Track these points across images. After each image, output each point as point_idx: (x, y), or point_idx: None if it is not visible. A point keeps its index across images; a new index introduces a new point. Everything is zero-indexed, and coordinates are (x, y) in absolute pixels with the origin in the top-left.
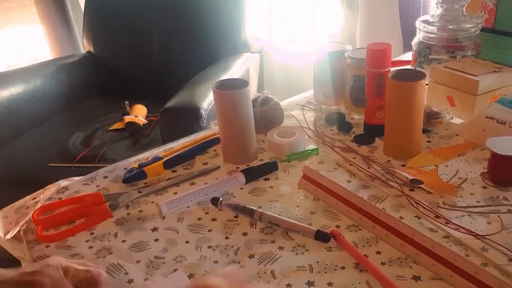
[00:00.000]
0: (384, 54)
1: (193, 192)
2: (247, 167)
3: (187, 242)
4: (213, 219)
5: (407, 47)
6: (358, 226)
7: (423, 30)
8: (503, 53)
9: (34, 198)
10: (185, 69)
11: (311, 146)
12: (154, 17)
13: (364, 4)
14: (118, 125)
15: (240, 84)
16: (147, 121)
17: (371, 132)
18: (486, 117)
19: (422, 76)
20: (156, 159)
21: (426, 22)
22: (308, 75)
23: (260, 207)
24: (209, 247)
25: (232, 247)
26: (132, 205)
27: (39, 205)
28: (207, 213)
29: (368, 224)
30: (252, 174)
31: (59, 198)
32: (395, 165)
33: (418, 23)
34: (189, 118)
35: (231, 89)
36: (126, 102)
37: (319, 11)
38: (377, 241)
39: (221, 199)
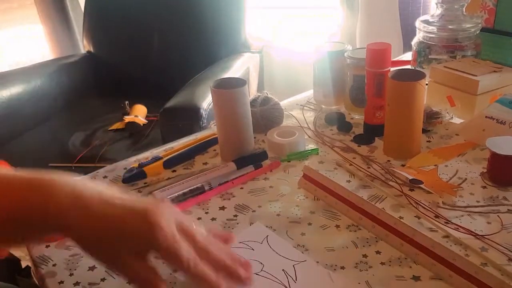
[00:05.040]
0: (384, 54)
1: (183, 176)
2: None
3: None
4: (213, 219)
5: (407, 47)
6: (358, 225)
7: (423, 30)
8: (503, 53)
9: None
10: (185, 69)
11: (311, 146)
12: (154, 18)
13: (364, 4)
14: (118, 125)
15: (238, 83)
16: (147, 121)
17: (371, 132)
18: (486, 117)
19: (422, 76)
20: (156, 159)
21: (426, 22)
22: (308, 75)
23: (259, 206)
24: None
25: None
26: None
27: None
28: (206, 212)
29: (368, 224)
30: (242, 161)
31: None
32: (394, 165)
33: (418, 23)
34: (189, 118)
35: (229, 88)
36: (126, 102)
37: (319, 11)
38: (376, 241)
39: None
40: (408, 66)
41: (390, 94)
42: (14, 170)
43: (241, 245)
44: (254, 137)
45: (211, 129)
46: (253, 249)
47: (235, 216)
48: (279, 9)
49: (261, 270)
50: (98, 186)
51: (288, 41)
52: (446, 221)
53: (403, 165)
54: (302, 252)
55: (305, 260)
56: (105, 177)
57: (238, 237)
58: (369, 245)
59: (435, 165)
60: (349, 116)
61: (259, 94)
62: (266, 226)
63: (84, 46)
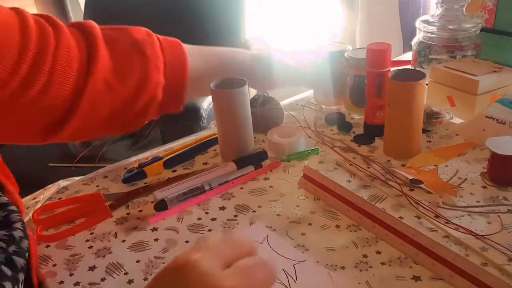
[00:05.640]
0: (384, 54)
1: (183, 176)
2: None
3: (187, 242)
4: (213, 219)
5: (407, 47)
6: (358, 225)
7: (423, 30)
8: (503, 53)
9: (34, 198)
10: None
11: (311, 146)
12: (154, 18)
13: (364, 4)
14: None
15: (238, 83)
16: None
17: (371, 132)
18: (486, 117)
19: (422, 76)
20: (156, 159)
21: (426, 22)
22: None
23: (259, 206)
24: None
25: None
26: (132, 204)
27: (39, 205)
28: (207, 213)
29: (368, 224)
30: (242, 161)
31: (59, 198)
32: (395, 165)
33: (418, 23)
34: (189, 118)
35: (229, 88)
36: None
37: (319, 11)
38: (377, 241)
39: (165, 199)
40: (408, 66)
41: (390, 94)
42: None
43: None
44: (254, 137)
45: (211, 129)
46: None
47: (235, 216)
48: (279, 9)
49: None
50: None
51: (288, 41)
52: (446, 221)
53: (403, 165)
54: (302, 252)
55: (305, 260)
56: (105, 177)
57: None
58: (369, 245)
59: (435, 165)
60: (349, 116)
61: (259, 94)
62: (266, 226)
63: None
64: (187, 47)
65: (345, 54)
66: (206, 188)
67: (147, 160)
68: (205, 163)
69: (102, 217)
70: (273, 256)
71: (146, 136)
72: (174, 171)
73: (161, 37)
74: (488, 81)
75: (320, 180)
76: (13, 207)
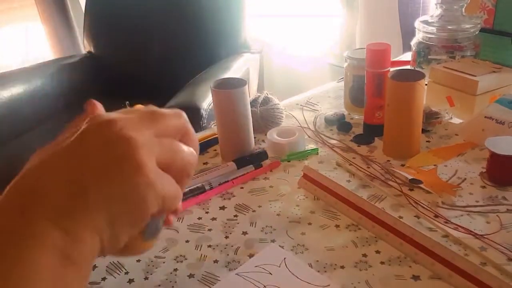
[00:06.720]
0: (384, 54)
1: None
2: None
3: (187, 241)
4: (213, 219)
5: (406, 47)
6: (357, 225)
7: (423, 30)
8: (502, 53)
9: None
10: (185, 69)
11: (311, 146)
12: (154, 17)
13: (364, 4)
14: None
15: (238, 83)
16: None
17: (371, 132)
18: (485, 117)
19: (421, 76)
20: None
21: (426, 22)
22: (307, 75)
23: (259, 206)
24: (209, 246)
25: (232, 246)
26: None
27: None
28: (207, 212)
29: (367, 224)
30: (243, 161)
31: None
32: (394, 164)
33: (417, 24)
34: (189, 118)
35: (229, 88)
36: (127, 102)
37: (318, 11)
38: (376, 241)
39: None
40: (408, 67)
41: (390, 94)
42: None
43: (257, 269)
44: (254, 137)
45: (211, 129)
46: (271, 274)
47: (235, 216)
48: (279, 9)
49: None
50: None
51: (288, 41)
52: (445, 220)
53: (402, 165)
54: (302, 252)
55: (329, 285)
56: None
57: (253, 261)
58: (369, 245)
59: (435, 165)
60: (349, 116)
61: (259, 94)
62: (266, 226)
63: (84, 46)
64: None
65: (345, 54)
66: (206, 187)
67: None
68: (205, 163)
69: None
70: (292, 281)
71: None
72: None
73: None
74: (487, 81)
75: (320, 180)
76: None
